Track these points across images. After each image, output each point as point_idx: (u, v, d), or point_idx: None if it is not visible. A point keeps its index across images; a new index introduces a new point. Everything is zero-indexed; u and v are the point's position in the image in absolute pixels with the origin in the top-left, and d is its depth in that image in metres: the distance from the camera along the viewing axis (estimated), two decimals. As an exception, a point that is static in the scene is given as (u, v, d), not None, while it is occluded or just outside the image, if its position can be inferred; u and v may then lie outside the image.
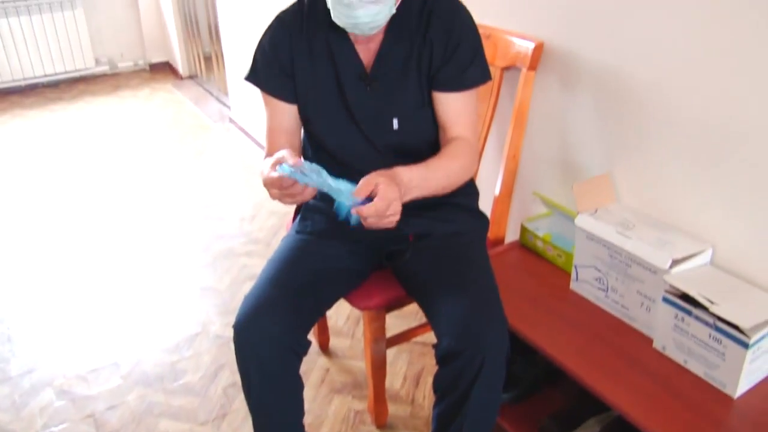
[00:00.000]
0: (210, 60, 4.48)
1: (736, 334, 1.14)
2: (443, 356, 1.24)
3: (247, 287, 2.36)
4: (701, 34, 1.25)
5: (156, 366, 2.01)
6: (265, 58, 1.39)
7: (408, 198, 1.22)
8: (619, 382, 1.24)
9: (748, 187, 1.25)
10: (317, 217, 1.46)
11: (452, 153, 1.33)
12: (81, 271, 2.51)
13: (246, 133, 3.69)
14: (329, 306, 1.44)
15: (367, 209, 1.11)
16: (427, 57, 1.33)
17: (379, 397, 1.70)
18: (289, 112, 1.40)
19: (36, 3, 4.30)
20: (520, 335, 1.38)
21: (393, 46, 1.33)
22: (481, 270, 1.36)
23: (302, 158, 1.14)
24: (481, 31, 1.37)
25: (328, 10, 1.30)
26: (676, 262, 1.28)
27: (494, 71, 1.60)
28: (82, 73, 4.68)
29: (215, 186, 3.18)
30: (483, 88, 1.40)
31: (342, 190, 1.12)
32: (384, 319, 1.55)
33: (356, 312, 2.19)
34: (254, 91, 1.42)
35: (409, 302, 1.54)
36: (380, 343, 1.58)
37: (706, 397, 1.20)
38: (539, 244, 1.61)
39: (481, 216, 1.52)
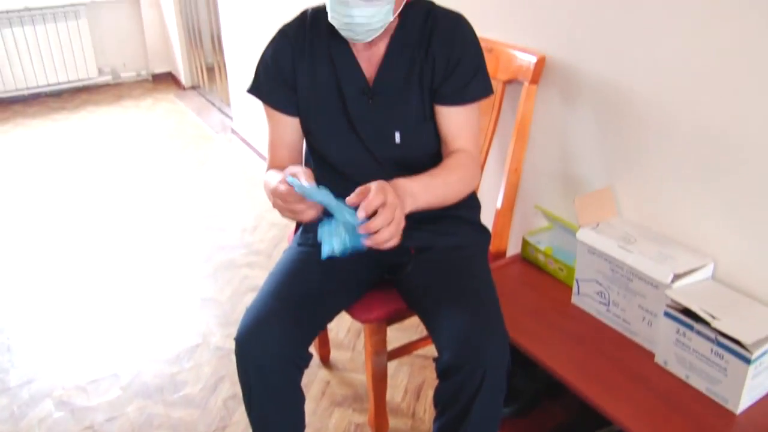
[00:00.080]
0: (212, 71, 4.50)
1: (738, 350, 1.14)
2: (444, 370, 1.23)
3: (248, 298, 2.36)
4: (701, 48, 1.25)
5: (156, 377, 2.01)
6: (267, 71, 1.40)
7: (409, 208, 1.21)
8: (621, 396, 1.23)
9: (749, 201, 1.25)
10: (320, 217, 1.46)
11: (453, 165, 1.33)
12: (81, 280, 2.51)
13: (248, 144, 3.70)
14: (330, 319, 1.43)
15: (375, 222, 1.08)
16: (429, 71, 1.33)
17: (380, 411, 1.69)
18: (291, 124, 1.41)
19: (40, 13, 4.33)
20: (521, 349, 1.37)
21: (395, 60, 1.34)
22: (483, 283, 1.36)
23: (314, 182, 1.13)
24: (483, 44, 1.38)
25: (331, 23, 1.31)
26: (677, 277, 1.27)
27: (496, 84, 1.61)
28: (85, 82, 4.71)
29: (217, 197, 3.19)
30: (485, 102, 1.40)
31: (345, 212, 1.12)
32: (385, 332, 1.55)
33: (357, 324, 2.19)
34: (256, 103, 1.43)
35: (410, 315, 1.53)
36: (381, 356, 1.57)
37: (708, 413, 1.19)
38: (541, 257, 1.61)
39: (483, 229, 1.52)
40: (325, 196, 1.11)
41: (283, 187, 1.14)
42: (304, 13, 1.40)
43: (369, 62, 1.35)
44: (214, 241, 2.77)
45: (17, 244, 2.79)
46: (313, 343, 1.37)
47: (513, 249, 1.78)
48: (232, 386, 1.95)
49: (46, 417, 1.87)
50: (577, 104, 1.56)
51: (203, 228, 2.88)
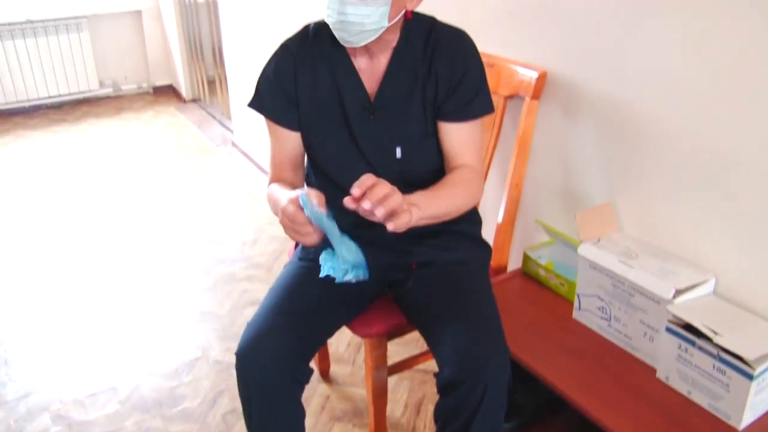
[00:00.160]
0: (213, 84, 4.51)
1: (740, 366, 1.14)
2: (445, 385, 1.23)
3: (247, 312, 2.35)
4: (701, 65, 1.26)
5: (154, 391, 1.99)
6: (269, 86, 1.40)
7: (416, 218, 1.19)
8: (622, 412, 1.23)
9: (750, 217, 1.25)
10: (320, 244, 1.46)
11: (457, 179, 1.34)
12: (80, 293, 2.50)
13: (248, 158, 3.71)
14: (331, 334, 1.43)
15: (367, 179, 1.08)
16: (432, 88, 1.34)
17: (380, 426, 1.68)
18: (293, 138, 1.41)
19: (42, 26, 4.35)
20: (522, 364, 1.37)
21: (397, 76, 1.35)
22: (484, 299, 1.36)
23: (325, 207, 1.14)
24: (484, 59, 1.38)
25: (333, 38, 1.32)
26: (679, 292, 1.27)
27: (497, 100, 1.62)
28: (86, 95, 4.72)
29: (217, 210, 3.19)
30: (486, 117, 1.40)
31: (346, 246, 1.15)
32: (385, 346, 1.54)
33: (357, 339, 2.18)
34: (257, 116, 1.43)
35: (411, 330, 1.53)
36: (381, 370, 1.56)
37: (710, 429, 1.18)
38: (542, 272, 1.61)
39: (484, 244, 1.52)
40: (330, 228, 1.12)
41: (292, 208, 1.14)
42: (306, 28, 1.41)
43: (371, 77, 1.36)
44: (213, 254, 2.77)
45: (16, 256, 2.78)
46: (313, 358, 1.37)
47: (514, 264, 1.78)
48: (231, 400, 1.94)
49: (43, 431, 1.85)
50: (578, 119, 1.57)
51: (203, 241, 2.88)
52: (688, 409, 1.23)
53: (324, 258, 1.19)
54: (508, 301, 1.56)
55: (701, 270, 1.34)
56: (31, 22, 4.31)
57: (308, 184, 1.48)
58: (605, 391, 1.28)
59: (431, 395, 1.94)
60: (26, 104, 4.54)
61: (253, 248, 2.81)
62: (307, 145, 1.42)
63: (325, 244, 1.21)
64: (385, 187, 1.09)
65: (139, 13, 4.77)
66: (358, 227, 1.25)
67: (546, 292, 1.59)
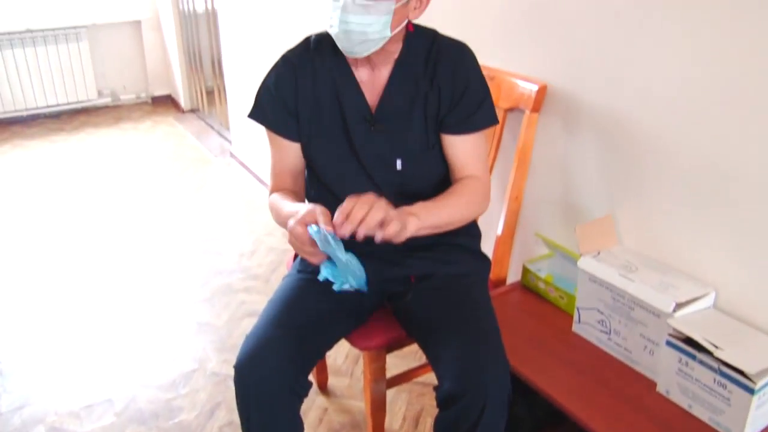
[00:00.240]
0: (212, 94, 4.52)
1: (741, 380, 1.13)
2: (444, 399, 1.22)
3: (245, 323, 2.34)
4: (701, 78, 1.26)
5: (151, 403, 1.98)
6: (269, 97, 1.40)
7: (414, 227, 1.21)
8: (622, 426, 1.22)
9: (750, 231, 1.25)
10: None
11: (460, 190, 1.34)
12: (77, 303, 2.49)
13: (247, 168, 3.71)
14: (330, 347, 1.42)
15: (343, 206, 1.13)
16: (434, 101, 1.34)
17: (378, 439, 1.67)
18: (293, 149, 1.41)
19: (41, 35, 4.36)
20: (521, 377, 1.36)
21: (399, 88, 1.35)
22: (483, 312, 1.35)
23: (332, 226, 1.16)
24: (485, 72, 1.39)
25: (335, 49, 1.32)
26: (679, 306, 1.27)
27: (497, 112, 1.61)
28: (85, 104, 4.72)
29: (215, 221, 3.18)
30: (487, 129, 1.41)
31: (349, 274, 1.17)
32: (384, 359, 1.53)
33: (355, 351, 2.17)
34: (256, 127, 1.43)
35: (410, 343, 1.52)
36: (380, 383, 1.56)
37: (712, 444, 1.18)
38: (541, 285, 1.60)
39: (483, 257, 1.52)
40: (336, 250, 1.14)
41: (300, 230, 1.16)
42: (307, 40, 1.41)
43: (372, 89, 1.36)
44: (211, 265, 2.76)
45: (13, 266, 2.77)
46: (312, 371, 1.36)
47: (513, 276, 1.78)
48: (228, 413, 1.93)
49: (38, 443, 1.84)
50: (578, 133, 1.57)
51: (201, 252, 2.87)
52: (688, 423, 1.22)
53: (325, 264, 1.20)
54: (508, 313, 1.55)
55: (701, 283, 1.33)
56: (31, 31, 4.31)
57: (307, 196, 1.48)
58: (605, 404, 1.28)
59: (429, 408, 1.93)
60: (24, 113, 4.54)
61: (251, 259, 2.80)
62: (307, 156, 1.42)
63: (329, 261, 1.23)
64: (361, 209, 1.12)
65: (138, 23, 4.79)
66: (356, 241, 1.24)
67: (545, 305, 1.59)
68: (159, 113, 4.86)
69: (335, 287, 1.21)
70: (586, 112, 1.53)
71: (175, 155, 4.05)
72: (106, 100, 4.85)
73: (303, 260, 1.48)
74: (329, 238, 1.13)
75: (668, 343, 1.25)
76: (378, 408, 1.60)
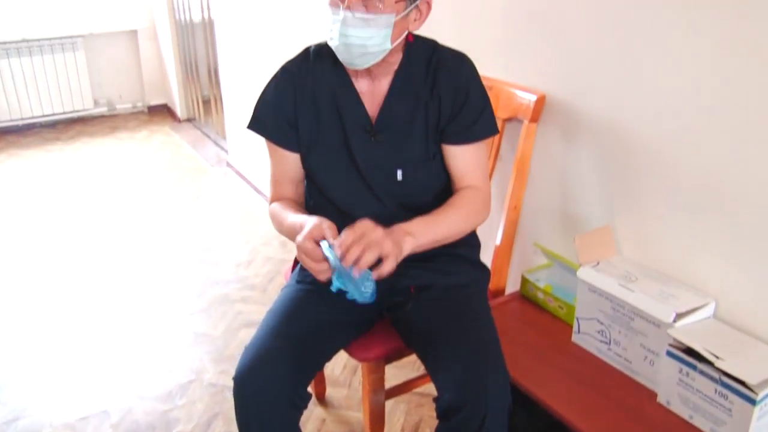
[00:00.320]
0: (208, 103, 4.52)
1: (742, 390, 1.13)
2: (445, 410, 1.21)
3: (242, 334, 2.33)
4: (700, 87, 1.27)
5: (147, 415, 1.96)
6: (268, 108, 1.40)
7: (410, 247, 1.23)
8: (623, 437, 1.22)
9: (749, 240, 1.25)
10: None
11: (458, 203, 1.34)
12: (72, 314, 2.47)
13: (243, 178, 3.70)
14: (329, 358, 1.41)
15: (345, 238, 1.15)
16: (434, 111, 1.34)
17: (377, 450, 1.66)
18: (293, 159, 1.41)
19: (38, 45, 4.36)
20: (521, 388, 1.36)
21: (399, 98, 1.35)
22: (483, 323, 1.35)
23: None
24: (483, 82, 1.39)
25: (335, 60, 1.32)
26: (679, 316, 1.27)
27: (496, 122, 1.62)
28: (80, 113, 4.71)
29: (211, 230, 3.17)
30: (487, 139, 1.41)
31: (357, 294, 1.19)
32: (383, 370, 1.52)
33: (353, 362, 2.16)
34: (252, 136, 1.43)
35: (409, 354, 1.52)
36: (379, 394, 1.55)
37: (713, 455, 1.18)
38: (540, 295, 1.60)
39: (483, 268, 1.52)
40: (343, 271, 1.17)
41: (309, 245, 1.18)
42: (306, 50, 1.41)
43: (372, 100, 1.36)
44: (208, 275, 2.75)
45: (7, 276, 2.75)
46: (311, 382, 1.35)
47: (512, 286, 1.77)
48: (225, 424, 1.91)
49: (33, 455, 1.82)
50: (576, 142, 1.57)
51: (197, 262, 2.86)
52: (689, 435, 1.22)
53: (336, 275, 1.21)
54: (507, 324, 1.55)
55: (701, 293, 1.33)
56: (27, 41, 4.31)
57: (306, 205, 1.47)
58: (605, 415, 1.27)
59: (428, 419, 1.92)
60: (20, 123, 4.53)
61: (248, 269, 2.79)
62: (307, 166, 1.41)
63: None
64: (354, 253, 1.13)
65: (134, 32, 4.79)
66: None
67: (544, 315, 1.59)
68: (155, 122, 4.85)
69: (348, 296, 1.21)
70: (584, 122, 1.53)
71: (171, 165, 4.04)
72: (102, 110, 4.85)
73: (302, 271, 1.47)
74: (337, 263, 1.16)
75: (668, 354, 1.25)
76: (377, 419, 1.59)
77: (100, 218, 3.29)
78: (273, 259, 2.86)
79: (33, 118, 4.54)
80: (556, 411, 1.29)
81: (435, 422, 1.26)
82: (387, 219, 1.25)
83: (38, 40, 4.34)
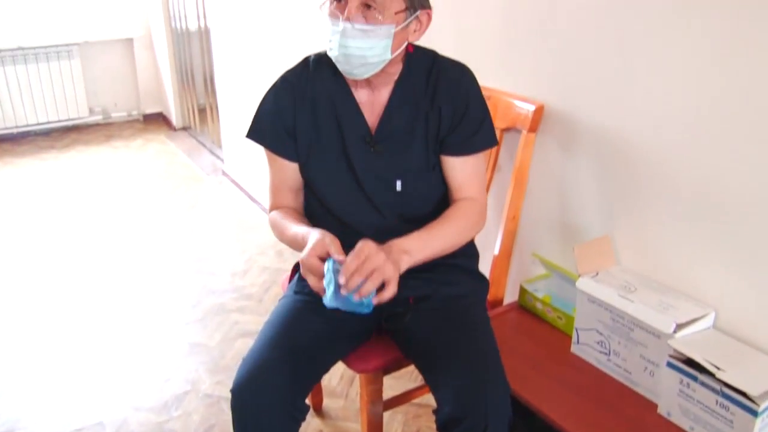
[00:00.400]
0: (204, 112, 4.51)
1: (744, 401, 1.13)
2: (445, 423, 1.20)
3: (238, 344, 2.32)
4: (699, 97, 1.27)
5: (143, 426, 1.94)
6: (268, 117, 1.40)
7: (406, 266, 1.23)
8: (624, 449, 1.21)
9: (749, 250, 1.25)
10: None
11: (454, 215, 1.34)
12: (67, 324, 2.45)
13: (239, 187, 3.69)
14: (327, 369, 1.40)
15: (348, 265, 1.15)
16: (434, 122, 1.34)
17: (375, 462, 1.64)
18: (293, 168, 1.41)
19: (33, 53, 4.35)
20: (520, 399, 1.35)
21: (399, 109, 1.35)
22: (482, 334, 1.34)
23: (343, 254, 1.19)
24: (482, 92, 1.39)
25: (334, 70, 1.32)
26: (679, 326, 1.27)
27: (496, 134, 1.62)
28: (76, 122, 4.70)
29: (207, 240, 3.15)
30: (486, 151, 1.41)
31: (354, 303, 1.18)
32: (381, 381, 1.51)
33: (350, 372, 2.14)
34: (248, 145, 1.43)
35: (407, 365, 1.51)
36: (377, 405, 1.54)
37: (715, 467, 1.17)
38: (539, 305, 1.59)
39: (481, 278, 1.51)
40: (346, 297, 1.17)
41: (315, 262, 1.18)
42: (306, 60, 1.41)
43: (372, 110, 1.36)
44: (203, 285, 2.73)
45: (1, 285, 2.73)
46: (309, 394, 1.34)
47: (510, 297, 1.77)
48: (221, 435, 1.90)
49: (27, 468, 1.80)
50: (575, 152, 1.57)
51: (193, 272, 2.84)
52: (690, 446, 1.22)
53: (334, 294, 1.21)
54: (505, 334, 1.54)
55: (701, 304, 1.33)
56: (23, 49, 4.30)
57: (305, 214, 1.47)
58: (605, 426, 1.27)
59: (426, 429, 1.90)
60: (15, 131, 4.51)
61: (244, 279, 2.78)
62: (306, 176, 1.41)
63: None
64: (359, 277, 1.14)
65: (130, 41, 4.79)
66: None
67: (543, 326, 1.58)
68: (150, 131, 4.84)
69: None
70: (583, 132, 1.53)
71: (166, 173, 4.03)
72: (97, 118, 4.83)
73: (300, 281, 1.47)
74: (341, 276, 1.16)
75: (669, 365, 1.25)
76: (374, 430, 1.58)
77: (95, 227, 3.27)
78: (269, 268, 2.85)
79: (28, 126, 4.52)
80: (556, 423, 1.28)
81: (433, 433, 1.25)
82: (386, 229, 1.24)
83: (34, 47, 4.34)
